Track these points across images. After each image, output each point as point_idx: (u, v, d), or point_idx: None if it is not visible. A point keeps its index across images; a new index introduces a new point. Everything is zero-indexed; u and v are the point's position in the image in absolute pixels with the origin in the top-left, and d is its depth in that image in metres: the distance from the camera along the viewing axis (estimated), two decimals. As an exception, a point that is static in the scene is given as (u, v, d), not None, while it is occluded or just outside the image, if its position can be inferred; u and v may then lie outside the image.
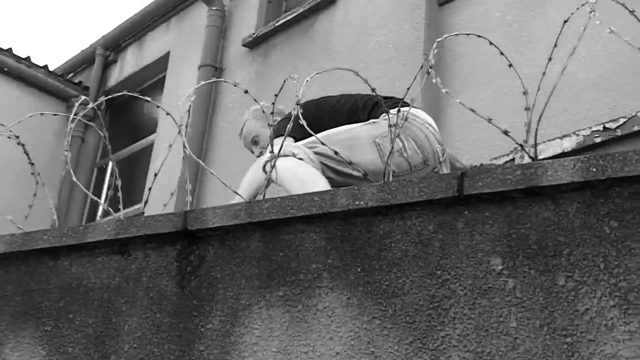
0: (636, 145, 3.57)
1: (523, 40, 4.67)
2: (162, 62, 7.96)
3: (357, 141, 2.84)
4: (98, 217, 7.82)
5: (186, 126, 2.32)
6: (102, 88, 8.69)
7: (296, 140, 3.04)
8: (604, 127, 3.71)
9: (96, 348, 2.00)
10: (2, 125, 2.57)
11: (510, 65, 2.20)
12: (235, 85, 2.33)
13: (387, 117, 2.98)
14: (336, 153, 2.45)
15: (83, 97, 2.73)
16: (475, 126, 4.55)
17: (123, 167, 8.29)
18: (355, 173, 2.88)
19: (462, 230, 1.68)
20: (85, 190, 2.34)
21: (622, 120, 3.67)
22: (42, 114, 2.36)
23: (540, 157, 3.91)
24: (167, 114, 2.39)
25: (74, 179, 2.17)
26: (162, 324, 1.94)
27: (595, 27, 4.30)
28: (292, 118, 2.07)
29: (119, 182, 2.44)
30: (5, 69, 8.00)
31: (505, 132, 1.88)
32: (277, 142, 3.00)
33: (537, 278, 1.56)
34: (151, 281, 2.02)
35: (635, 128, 3.61)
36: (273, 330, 1.79)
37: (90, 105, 2.46)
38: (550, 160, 1.62)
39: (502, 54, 2.18)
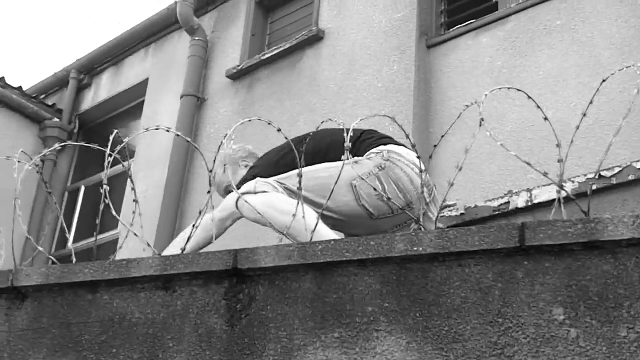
0: (631, 194, 3.71)
1: (513, 86, 4.81)
2: (139, 89, 7.95)
3: (332, 181, 2.81)
4: (70, 243, 7.74)
5: (225, 165, 2.35)
6: (75, 112, 8.65)
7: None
8: (600, 175, 3.84)
9: (143, 383, 2.02)
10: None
11: (546, 119, 2.29)
12: (269, 123, 2.37)
13: (370, 156, 2.94)
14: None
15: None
16: (465, 169, 4.65)
17: (95, 193, 8.24)
18: (326, 213, 2.83)
19: (522, 280, 1.75)
20: (125, 225, 2.35)
21: (617, 170, 3.81)
22: (85, 144, 2.37)
23: (535, 201, 4.03)
24: (201, 155, 2.42)
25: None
26: (213, 362, 1.97)
27: (588, 76, 4.45)
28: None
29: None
30: (-21, 89, 7.91)
31: (562, 190, 1.96)
32: (262, 182, 2.94)
33: (600, 329, 1.64)
34: (199, 318, 2.05)
35: (630, 177, 3.75)
36: (330, 371, 1.83)
37: (126, 140, 2.48)
38: (610, 216, 1.71)
39: (538, 107, 2.26)
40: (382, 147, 2.96)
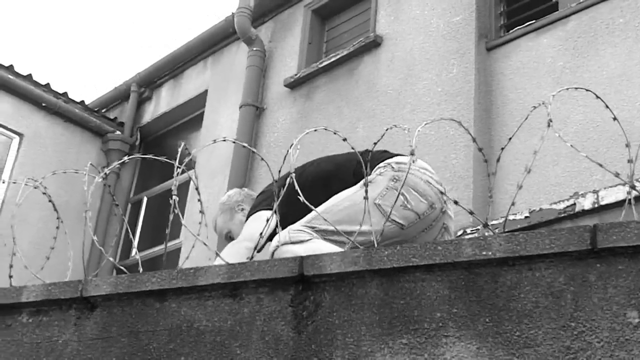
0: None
1: (576, 86, 4.72)
2: (198, 100, 8.04)
3: (356, 207, 2.77)
4: (133, 252, 7.86)
5: (292, 172, 2.34)
6: (136, 124, 8.79)
7: (285, 213, 2.85)
8: (668, 175, 3.75)
9: (212, 391, 2.02)
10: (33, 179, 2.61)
11: (615, 119, 2.23)
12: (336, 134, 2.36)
13: (378, 171, 2.91)
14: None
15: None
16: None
17: (156, 204, 8.35)
18: (359, 238, 2.76)
19: (594, 283, 1.71)
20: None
21: (686, 169, 3.71)
22: (153, 157, 2.40)
23: (602, 203, 3.95)
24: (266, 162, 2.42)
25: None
26: (280, 369, 1.97)
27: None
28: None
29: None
30: (44, 104, 8.09)
31: (633, 190, 1.91)
32: (295, 229, 2.86)
33: (677, 332, 1.59)
34: (266, 325, 2.05)
35: (701, 177, 3.64)
36: (399, 377, 1.81)
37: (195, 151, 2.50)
38: (685, 216, 1.66)
39: (607, 107, 2.21)
40: (387, 161, 2.96)
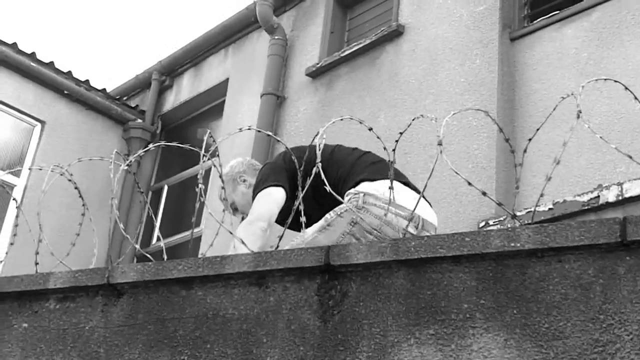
0: None
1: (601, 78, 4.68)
2: (219, 89, 8.05)
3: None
4: (159, 240, 7.89)
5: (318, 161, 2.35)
6: (157, 112, 8.81)
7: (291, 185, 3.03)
8: (694, 167, 3.72)
9: (238, 379, 2.03)
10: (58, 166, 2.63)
11: (644, 110, 2.22)
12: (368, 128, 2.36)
13: (344, 206, 2.85)
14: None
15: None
16: (553, 162, 4.56)
17: (176, 192, 8.38)
18: None
19: (624, 275, 1.70)
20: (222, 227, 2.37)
21: None
22: (178, 144, 2.41)
23: (626, 195, 3.92)
24: (288, 148, 2.45)
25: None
26: (306, 357, 1.97)
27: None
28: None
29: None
30: (66, 92, 8.13)
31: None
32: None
33: None
34: (292, 314, 2.06)
35: None
36: (426, 368, 1.81)
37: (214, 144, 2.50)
38: None
39: (636, 98, 2.20)
40: (358, 189, 2.92)
